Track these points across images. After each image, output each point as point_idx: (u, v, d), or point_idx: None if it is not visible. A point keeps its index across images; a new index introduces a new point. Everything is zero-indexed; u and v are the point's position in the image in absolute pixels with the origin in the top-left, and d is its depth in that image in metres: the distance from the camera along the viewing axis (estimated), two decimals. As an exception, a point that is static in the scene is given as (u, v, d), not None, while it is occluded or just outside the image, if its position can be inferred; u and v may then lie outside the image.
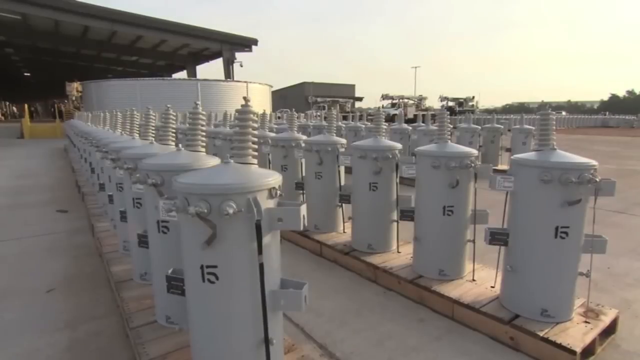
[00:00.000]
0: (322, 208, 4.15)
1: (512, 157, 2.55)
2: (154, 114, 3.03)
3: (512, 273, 2.51)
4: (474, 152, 2.94)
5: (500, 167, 8.53)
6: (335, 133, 4.32)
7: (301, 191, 4.43)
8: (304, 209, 1.60)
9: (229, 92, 24.76)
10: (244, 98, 1.75)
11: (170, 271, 1.80)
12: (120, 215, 2.97)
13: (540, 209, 2.34)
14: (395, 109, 34.63)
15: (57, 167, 10.41)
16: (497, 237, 2.54)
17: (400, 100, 40.23)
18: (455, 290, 2.81)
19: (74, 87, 28.29)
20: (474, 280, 2.95)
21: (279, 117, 14.63)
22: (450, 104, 42.76)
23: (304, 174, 4.40)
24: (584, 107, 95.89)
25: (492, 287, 2.82)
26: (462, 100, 44.30)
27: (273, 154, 4.72)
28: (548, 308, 2.37)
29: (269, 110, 11.08)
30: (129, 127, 3.84)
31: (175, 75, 40.31)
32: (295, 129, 4.79)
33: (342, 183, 4.11)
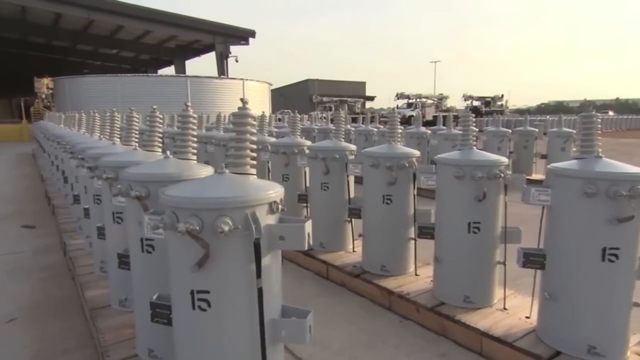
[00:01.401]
0: (329, 224, 4.16)
1: (548, 165, 2.56)
2: (137, 116, 3.07)
3: (550, 301, 2.49)
4: (504, 160, 2.95)
5: (534, 177, 8.52)
6: (344, 138, 4.35)
7: (305, 204, 4.45)
8: (308, 226, 1.62)
9: (222, 90, 25.04)
10: (242, 100, 1.78)
11: (155, 297, 1.82)
12: (98, 231, 3.00)
13: (583, 227, 2.33)
14: (412, 110, 34.73)
15: (23, 175, 10.53)
16: (531, 259, 2.53)
17: (418, 100, 40.34)
18: (484, 320, 2.80)
19: (44, 84, 28.72)
20: (505, 309, 2.94)
21: (279, 119, 14.74)
22: (476, 103, 42.86)
23: (308, 185, 4.42)
24: (635, 106, 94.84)
25: (527, 317, 2.81)
26: (489, 99, 44.38)
27: (273, 162, 4.75)
28: (596, 344, 2.33)
29: (268, 112, 11.17)
30: (108, 130, 3.88)
31: (162, 71, 40.87)
32: (298, 133, 4.82)
33: (352, 195, 4.12)
